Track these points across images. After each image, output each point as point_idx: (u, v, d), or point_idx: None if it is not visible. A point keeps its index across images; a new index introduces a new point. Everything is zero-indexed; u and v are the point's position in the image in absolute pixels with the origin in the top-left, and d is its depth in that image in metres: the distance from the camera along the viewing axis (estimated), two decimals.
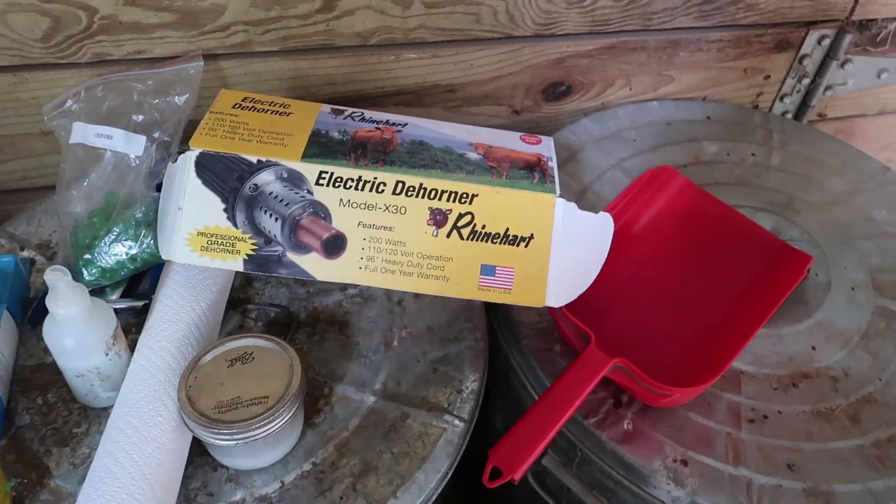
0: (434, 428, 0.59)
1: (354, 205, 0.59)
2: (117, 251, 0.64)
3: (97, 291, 0.66)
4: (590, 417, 0.62)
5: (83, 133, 0.67)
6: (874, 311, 0.72)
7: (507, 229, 0.59)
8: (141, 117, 0.70)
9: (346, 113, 0.66)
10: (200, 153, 0.58)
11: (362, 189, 0.59)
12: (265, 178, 0.58)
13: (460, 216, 0.59)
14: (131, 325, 0.65)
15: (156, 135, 0.70)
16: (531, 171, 0.62)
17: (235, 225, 0.59)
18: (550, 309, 0.61)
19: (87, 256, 0.64)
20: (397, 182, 0.59)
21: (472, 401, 0.61)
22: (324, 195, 0.59)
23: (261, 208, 0.58)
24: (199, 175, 0.58)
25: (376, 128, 0.64)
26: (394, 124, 0.65)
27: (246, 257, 0.59)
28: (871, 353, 0.69)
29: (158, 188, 0.65)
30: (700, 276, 0.71)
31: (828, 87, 1.01)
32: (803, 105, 1.04)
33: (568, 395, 0.56)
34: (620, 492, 0.62)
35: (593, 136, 0.90)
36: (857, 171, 0.88)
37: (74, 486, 0.54)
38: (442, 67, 0.85)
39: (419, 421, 0.59)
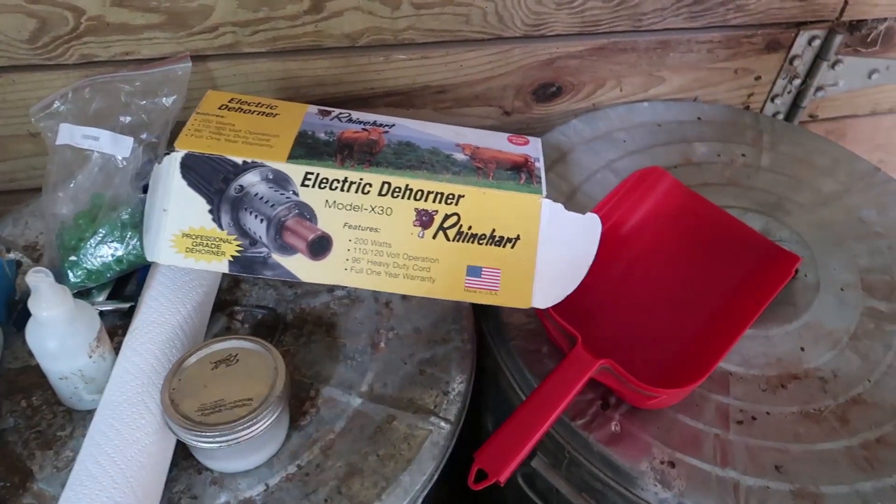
0: (420, 430, 0.59)
1: (340, 206, 0.58)
2: (103, 253, 0.64)
3: (83, 293, 0.66)
4: (577, 419, 0.62)
5: (70, 134, 0.67)
6: (863, 312, 0.72)
7: (494, 230, 0.59)
8: (128, 119, 0.70)
9: (333, 114, 0.66)
10: (185, 154, 0.58)
11: (348, 190, 0.58)
12: (250, 180, 0.58)
13: (446, 217, 0.59)
14: (118, 327, 0.65)
15: (143, 136, 0.69)
16: (518, 172, 0.61)
17: (220, 226, 0.58)
18: (537, 310, 0.61)
19: (73, 258, 0.64)
20: (383, 183, 0.59)
21: (458, 402, 0.61)
22: (309, 196, 0.58)
23: (246, 209, 0.58)
24: (184, 176, 0.58)
25: (363, 129, 0.64)
26: (381, 125, 0.65)
27: (231, 259, 0.58)
28: (860, 353, 0.68)
29: (145, 190, 0.65)
30: (689, 277, 0.71)
31: (819, 88, 1.01)
32: (794, 106, 1.04)
33: (554, 397, 0.56)
34: (609, 493, 0.62)
35: (583, 137, 0.89)
36: (847, 171, 0.88)
37: (58, 489, 0.53)
38: (432, 68, 0.84)
39: (405, 423, 0.59)
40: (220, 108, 0.63)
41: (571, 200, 0.81)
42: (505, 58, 0.86)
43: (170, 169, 0.58)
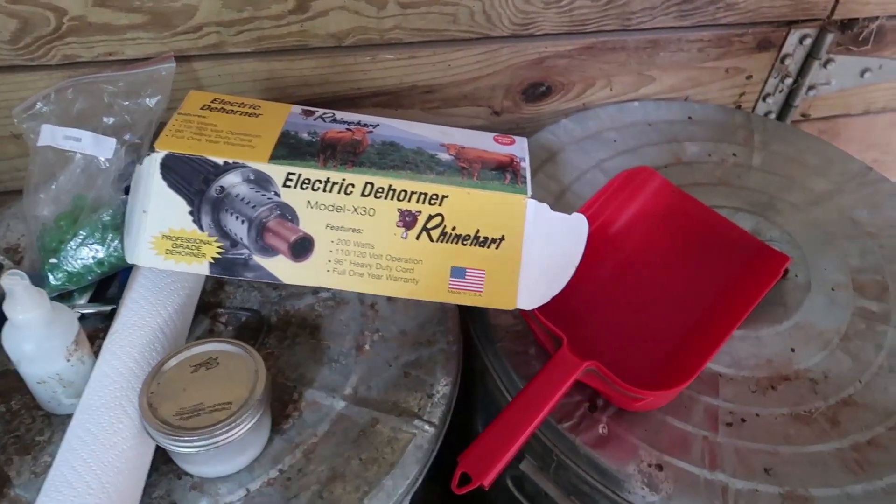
0: (404, 433, 0.58)
1: (322, 207, 0.58)
2: (83, 255, 0.63)
3: (65, 296, 0.65)
4: (564, 421, 0.61)
5: (51, 135, 0.66)
6: (854, 312, 0.71)
7: (478, 231, 0.59)
8: (112, 119, 0.69)
9: (317, 114, 0.65)
10: (166, 155, 0.57)
11: (330, 191, 0.58)
12: (231, 180, 0.58)
13: (430, 217, 0.58)
14: (99, 330, 0.64)
15: (126, 137, 0.69)
16: (503, 172, 0.61)
17: (201, 228, 0.58)
18: (523, 311, 0.60)
19: (53, 260, 0.63)
20: (366, 183, 0.58)
21: (443, 405, 0.60)
22: (291, 197, 0.58)
23: (227, 211, 0.58)
24: (164, 177, 0.57)
25: (347, 129, 0.63)
26: (365, 125, 0.64)
27: (212, 260, 0.58)
28: (851, 354, 0.68)
29: (127, 191, 0.64)
30: (677, 278, 0.70)
31: (811, 87, 1.01)
32: (787, 105, 1.04)
33: (538, 400, 0.55)
34: (597, 497, 0.61)
35: (573, 136, 0.89)
36: (838, 171, 0.87)
37: (35, 495, 0.52)
38: (419, 68, 0.84)
39: (389, 426, 0.58)
40: (202, 109, 0.62)
41: (561, 200, 0.80)
42: (493, 57, 0.85)
43: (150, 170, 0.57)
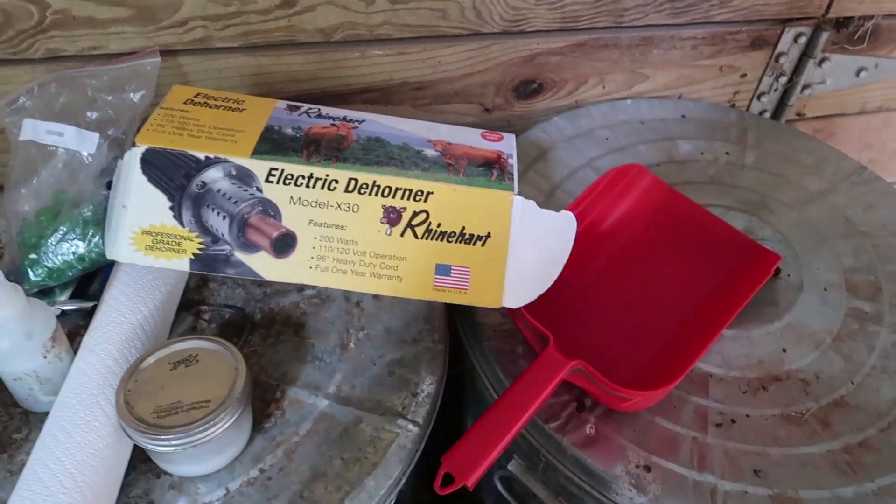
0: (387, 433, 0.57)
1: (305, 203, 0.57)
2: (64, 251, 0.62)
3: (45, 292, 0.65)
4: (551, 421, 0.60)
5: (33, 130, 0.65)
6: (847, 313, 0.70)
7: (464, 228, 0.58)
8: (95, 114, 0.68)
9: (302, 109, 0.64)
10: (146, 149, 0.56)
11: (314, 186, 0.57)
12: (213, 175, 0.57)
13: (415, 214, 0.57)
14: (80, 326, 0.63)
15: (110, 132, 0.68)
16: (490, 169, 0.60)
17: (182, 223, 0.57)
18: (510, 310, 0.60)
19: (33, 256, 0.62)
20: (350, 179, 0.57)
21: (427, 404, 0.59)
22: (274, 193, 0.57)
23: (208, 206, 0.57)
24: (144, 172, 0.57)
25: (332, 124, 0.62)
26: (351, 121, 0.63)
27: (192, 257, 0.57)
28: (843, 355, 0.67)
29: (109, 186, 0.63)
30: (668, 276, 0.69)
31: (806, 86, 1.00)
32: (781, 104, 1.03)
33: (524, 399, 0.54)
34: (585, 498, 0.60)
35: (565, 134, 0.88)
36: (832, 170, 0.86)
37: (10, 493, 0.52)
38: (409, 64, 0.83)
39: (372, 425, 0.57)
40: (185, 103, 0.62)
41: (551, 198, 0.79)
42: (484, 54, 0.84)
43: (130, 164, 0.57)
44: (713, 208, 0.77)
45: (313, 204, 0.57)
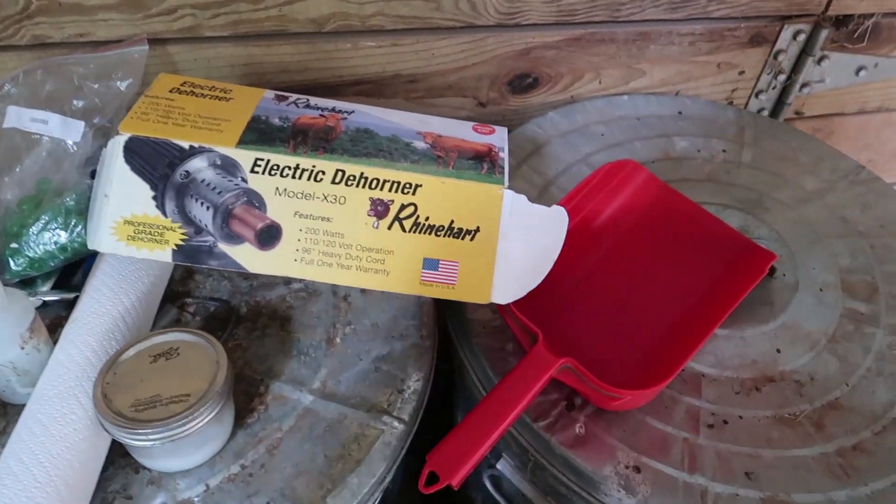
0: (372, 430, 0.56)
1: (291, 194, 0.56)
2: (46, 240, 0.61)
3: (28, 282, 0.63)
4: (540, 420, 0.59)
5: (17, 117, 0.65)
6: (843, 314, 0.69)
7: (452, 221, 0.57)
8: (81, 102, 0.68)
9: (291, 99, 0.63)
10: (129, 138, 0.55)
11: (300, 178, 0.56)
12: (197, 165, 0.55)
13: (403, 207, 0.56)
14: (62, 318, 0.62)
15: (96, 120, 0.67)
16: (480, 162, 0.59)
17: (164, 213, 0.56)
18: (499, 306, 0.58)
19: (14, 245, 0.61)
20: (337, 171, 0.56)
21: (414, 401, 0.58)
22: (259, 183, 0.56)
23: (192, 196, 0.55)
24: (127, 161, 0.55)
25: (320, 115, 0.61)
26: (340, 112, 0.62)
27: (175, 247, 0.56)
28: (838, 356, 0.66)
29: (94, 175, 0.62)
30: (661, 274, 0.68)
31: (804, 84, 0.99)
32: (780, 102, 1.02)
33: (511, 398, 0.53)
34: (574, 498, 0.59)
35: (560, 129, 0.87)
36: (830, 169, 0.85)
37: None
38: (402, 56, 0.82)
39: (357, 422, 0.56)
40: (170, 92, 0.60)
41: (545, 194, 0.78)
42: (478, 47, 0.83)
43: (113, 153, 0.55)
44: (709, 206, 0.75)
45: (299, 195, 0.56)
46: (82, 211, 0.62)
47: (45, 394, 0.51)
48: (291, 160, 0.56)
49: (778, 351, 0.66)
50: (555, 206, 0.60)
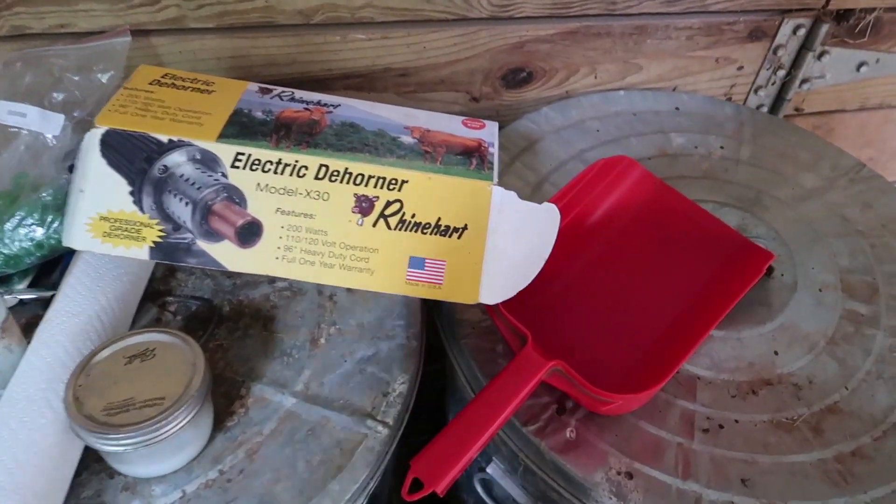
0: (355, 434, 0.54)
1: (273, 190, 0.54)
2: (21, 236, 0.59)
3: (3, 280, 0.62)
4: (530, 424, 0.57)
5: None
6: (842, 315, 0.67)
7: (439, 219, 0.55)
8: (61, 95, 0.65)
9: (275, 92, 0.61)
10: (106, 131, 0.53)
11: (282, 173, 0.54)
12: (176, 160, 0.54)
13: (388, 204, 0.54)
14: (39, 316, 0.60)
15: (76, 114, 0.65)
16: (469, 157, 0.57)
17: (142, 209, 0.54)
18: (487, 306, 0.57)
19: None
20: (320, 166, 0.54)
21: (399, 405, 0.56)
22: (239, 179, 0.54)
23: (170, 192, 0.54)
24: (104, 155, 0.54)
25: (305, 108, 0.59)
26: (325, 105, 0.60)
27: (152, 245, 0.54)
28: (837, 359, 0.64)
29: (72, 169, 0.60)
30: (656, 274, 0.66)
31: (804, 80, 0.97)
32: (779, 98, 1.00)
33: (498, 402, 0.51)
34: None
35: (554, 125, 0.85)
36: (830, 166, 0.83)
37: None
38: (393, 50, 0.80)
39: (339, 426, 0.54)
40: (150, 84, 0.59)
41: (538, 191, 0.76)
42: (471, 40, 0.81)
43: (89, 147, 0.54)
44: (705, 204, 0.74)
45: (281, 191, 0.54)
46: (60, 206, 0.60)
47: (14, 397, 0.49)
48: (273, 155, 0.54)
49: (775, 353, 0.64)
50: (546, 204, 0.58)
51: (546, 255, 0.58)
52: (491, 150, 0.58)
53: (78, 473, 0.51)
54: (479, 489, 0.69)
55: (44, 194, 0.60)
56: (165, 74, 0.60)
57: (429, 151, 0.56)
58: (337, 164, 0.54)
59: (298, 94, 0.61)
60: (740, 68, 0.94)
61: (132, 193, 0.54)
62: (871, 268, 0.72)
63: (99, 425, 0.46)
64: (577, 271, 0.66)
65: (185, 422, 0.48)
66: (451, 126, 0.61)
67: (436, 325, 0.67)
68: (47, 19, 0.69)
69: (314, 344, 0.60)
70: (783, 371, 0.63)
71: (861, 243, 0.74)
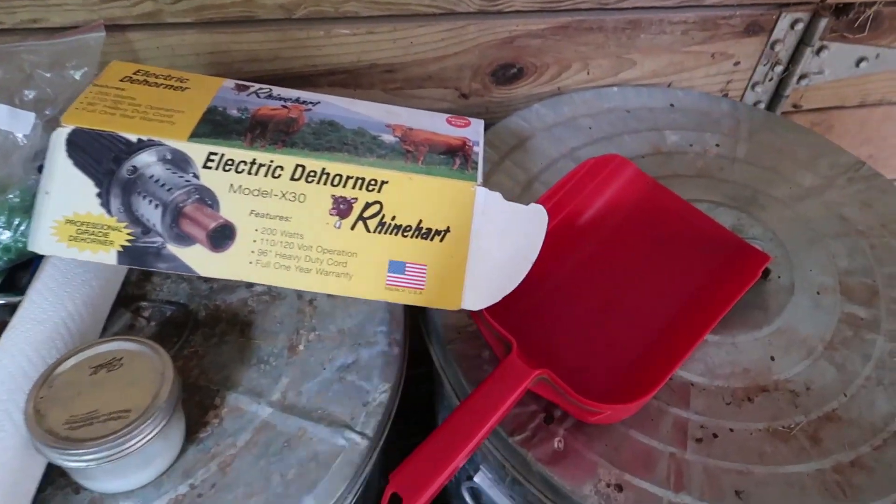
0: (332, 446, 0.52)
1: (247, 191, 0.52)
2: None
3: None
4: (516, 434, 0.55)
5: None
6: (841, 318, 0.65)
7: (421, 221, 0.53)
8: (32, 93, 0.63)
9: (252, 89, 0.59)
10: (73, 130, 0.51)
11: (256, 173, 0.52)
12: (146, 160, 0.51)
13: (367, 205, 0.52)
14: (6, 324, 0.58)
15: (47, 112, 0.63)
16: (452, 157, 0.55)
17: (109, 212, 0.51)
18: (472, 312, 0.54)
19: None
20: (296, 166, 0.52)
21: (379, 415, 0.54)
22: (212, 179, 0.52)
23: (139, 194, 0.51)
24: (70, 155, 0.51)
25: (282, 106, 0.57)
26: (304, 102, 0.58)
27: (120, 249, 0.52)
28: (836, 364, 0.62)
29: (41, 170, 0.58)
30: (648, 277, 0.64)
31: (802, 76, 0.95)
32: (777, 95, 0.98)
33: (480, 413, 0.49)
34: None
35: (545, 122, 0.83)
36: (828, 164, 0.81)
37: None
38: (379, 45, 0.77)
39: (317, 437, 0.52)
40: (121, 81, 0.56)
41: (528, 190, 0.74)
42: (459, 35, 0.79)
43: (55, 147, 0.51)
44: (700, 204, 0.72)
45: (255, 193, 0.52)
46: (28, 209, 0.58)
47: None
48: (248, 154, 0.52)
49: (772, 358, 0.62)
50: (533, 205, 0.56)
51: (533, 259, 0.55)
52: (476, 148, 0.56)
53: (42, 489, 0.48)
54: (468, 497, 0.67)
55: (11, 196, 0.58)
56: (138, 71, 0.58)
57: (410, 151, 0.54)
58: (314, 164, 0.52)
59: (276, 90, 0.59)
60: (737, 64, 0.92)
61: (100, 195, 0.51)
62: (871, 269, 0.70)
63: (59, 440, 0.44)
64: (566, 275, 0.64)
65: (151, 435, 0.46)
66: (434, 124, 0.59)
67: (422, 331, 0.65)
68: (18, 14, 0.67)
69: (292, 351, 0.58)
70: (780, 377, 0.61)
71: (861, 244, 0.72)
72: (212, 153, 0.51)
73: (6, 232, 0.57)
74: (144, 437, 0.45)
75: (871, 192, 0.78)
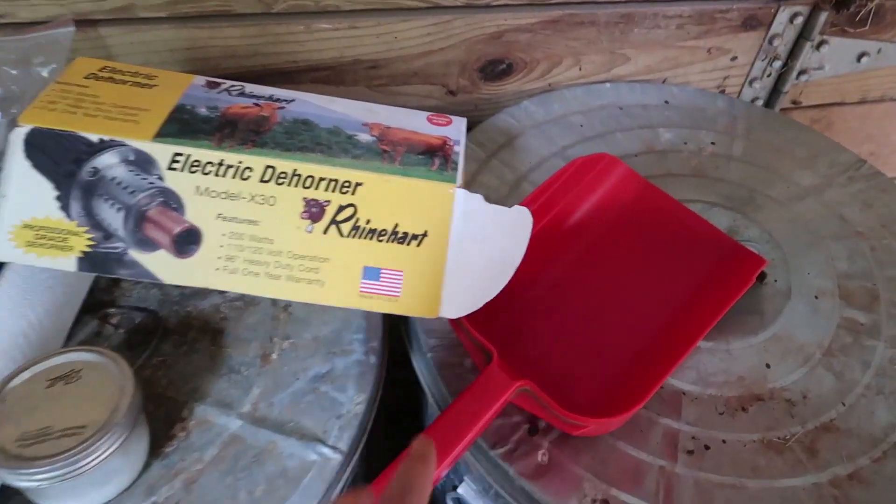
0: (303, 461, 0.49)
1: (214, 194, 0.49)
2: None
3: None
4: (498, 446, 0.53)
5: None
6: (840, 324, 0.63)
7: (397, 225, 0.50)
8: None
9: (223, 86, 0.56)
10: (31, 130, 0.49)
11: (224, 175, 0.49)
12: (107, 161, 0.49)
13: (340, 209, 0.50)
14: None
15: (13, 110, 0.60)
16: (431, 157, 0.52)
17: (69, 216, 0.49)
18: (451, 320, 0.52)
19: None
20: (266, 167, 0.49)
21: (353, 428, 0.51)
22: (177, 182, 0.49)
23: (101, 196, 0.49)
24: (28, 156, 0.49)
25: (254, 104, 0.54)
26: (277, 100, 0.55)
27: (80, 255, 0.49)
28: (834, 372, 0.59)
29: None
30: (638, 282, 0.62)
31: (802, 72, 0.92)
32: (775, 91, 0.95)
33: (458, 427, 0.47)
34: None
35: (535, 119, 0.80)
36: (828, 163, 0.79)
37: None
38: (362, 40, 0.75)
39: (287, 452, 0.50)
40: (85, 78, 0.54)
41: (516, 190, 0.72)
42: (445, 30, 0.76)
43: (12, 147, 0.49)
44: (694, 204, 0.69)
45: (223, 195, 0.49)
46: None
47: None
48: (215, 155, 0.49)
49: (767, 366, 0.60)
50: (517, 207, 0.54)
51: (516, 263, 0.53)
52: (456, 148, 0.53)
53: None
54: None
55: None
56: (104, 67, 0.55)
57: (387, 150, 0.52)
58: (285, 165, 0.49)
59: (249, 88, 0.57)
60: (734, 59, 0.89)
61: (59, 198, 0.49)
62: (872, 272, 0.67)
63: (9, 458, 0.42)
64: (552, 279, 0.61)
65: (109, 452, 0.43)
66: (414, 122, 0.56)
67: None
68: None
69: (265, 360, 0.55)
70: (775, 385, 0.58)
71: (861, 245, 0.69)
72: (177, 154, 0.49)
73: None
74: (101, 455, 0.43)
75: (871, 191, 0.76)
